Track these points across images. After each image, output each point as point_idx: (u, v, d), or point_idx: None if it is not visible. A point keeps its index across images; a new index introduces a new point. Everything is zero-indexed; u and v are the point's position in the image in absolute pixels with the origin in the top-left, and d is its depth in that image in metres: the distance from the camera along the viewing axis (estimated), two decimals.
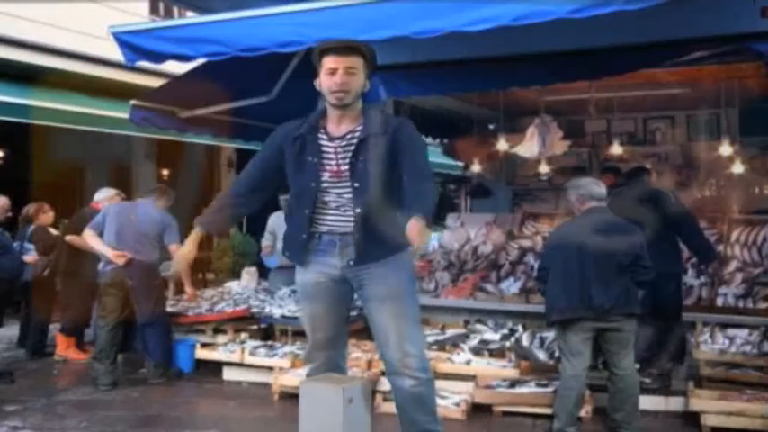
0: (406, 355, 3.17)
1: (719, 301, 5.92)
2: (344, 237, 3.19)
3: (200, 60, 5.27)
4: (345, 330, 3.47)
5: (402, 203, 3.03)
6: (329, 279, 3.27)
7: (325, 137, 3.22)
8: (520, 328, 5.83)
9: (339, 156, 3.17)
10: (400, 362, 3.19)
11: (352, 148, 3.16)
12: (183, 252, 3.40)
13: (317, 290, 3.29)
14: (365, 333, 6.20)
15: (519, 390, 4.98)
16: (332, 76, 3.12)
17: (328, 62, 3.13)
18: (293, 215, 3.31)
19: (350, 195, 3.16)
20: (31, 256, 6.87)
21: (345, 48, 3.15)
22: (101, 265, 5.99)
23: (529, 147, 7.84)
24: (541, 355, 5.40)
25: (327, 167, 3.18)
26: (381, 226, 3.09)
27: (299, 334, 6.29)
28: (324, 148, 3.20)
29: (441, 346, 5.68)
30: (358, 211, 3.13)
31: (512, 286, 6.42)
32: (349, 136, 3.19)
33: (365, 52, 3.17)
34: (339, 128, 3.21)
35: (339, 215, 3.20)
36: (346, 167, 3.16)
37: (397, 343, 3.17)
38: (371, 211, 3.11)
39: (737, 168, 7.97)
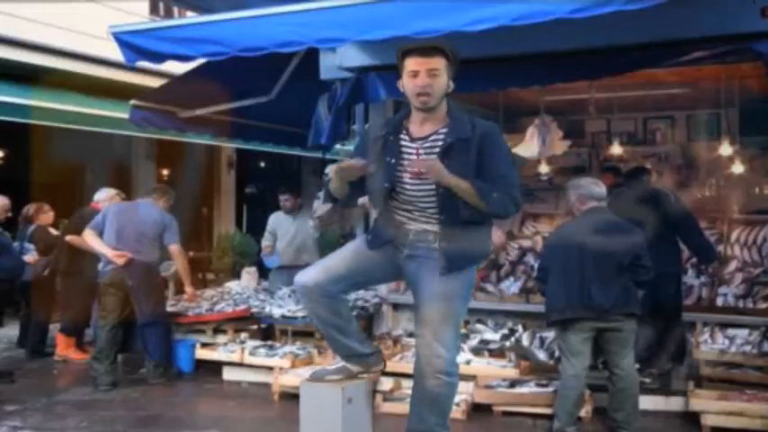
0: (435, 355, 3.13)
1: (719, 301, 5.93)
2: (418, 234, 3.15)
3: (200, 60, 5.28)
4: (360, 286, 3.45)
5: (484, 217, 3.10)
6: (393, 252, 3.20)
7: (406, 138, 3.17)
8: (520, 328, 5.83)
9: (420, 157, 3.12)
10: (427, 358, 3.15)
11: (437, 150, 3.10)
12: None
13: (375, 251, 3.22)
14: (365, 332, 6.21)
15: (519, 390, 4.98)
16: (414, 78, 3.05)
17: (410, 64, 3.06)
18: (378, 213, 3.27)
19: (432, 199, 3.11)
20: (31, 256, 6.87)
21: (428, 48, 3.08)
22: (101, 265, 6.00)
23: (529, 147, 7.81)
24: (541, 355, 5.40)
25: (408, 168, 3.12)
26: (464, 237, 3.09)
27: (299, 334, 6.30)
28: (404, 149, 3.14)
29: None
30: (443, 217, 3.10)
31: (512, 286, 6.43)
32: (433, 137, 3.13)
33: (448, 52, 3.08)
34: (422, 129, 3.16)
35: (415, 217, 3.15)
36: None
37: (429, 341, 3.13)
38: (455, 220, 3.09)
39: (737, 168, 7.95)
